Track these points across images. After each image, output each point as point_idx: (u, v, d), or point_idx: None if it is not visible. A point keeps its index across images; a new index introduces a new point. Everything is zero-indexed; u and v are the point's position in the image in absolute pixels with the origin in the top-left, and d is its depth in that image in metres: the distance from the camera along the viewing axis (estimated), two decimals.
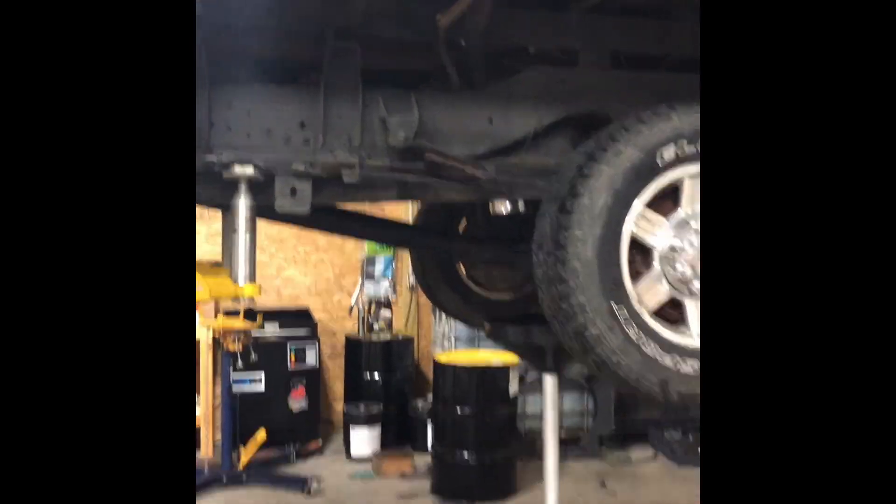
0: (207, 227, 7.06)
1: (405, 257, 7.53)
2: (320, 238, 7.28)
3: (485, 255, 3.03)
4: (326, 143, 2.40)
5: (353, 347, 6.87)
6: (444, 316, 6.89)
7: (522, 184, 2.46)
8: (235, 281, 2.32)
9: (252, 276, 2.36)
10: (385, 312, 6.91)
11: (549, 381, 3.37)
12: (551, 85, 2.53)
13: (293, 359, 6.40)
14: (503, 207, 2.71)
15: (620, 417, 6.62)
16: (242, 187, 2.33)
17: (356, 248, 7.38)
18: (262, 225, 3.19)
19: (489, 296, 3.78)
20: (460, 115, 2.50)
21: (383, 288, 7.24)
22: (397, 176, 2.44)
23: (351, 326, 7.33)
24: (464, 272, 3.78)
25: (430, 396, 6.83)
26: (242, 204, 2.32)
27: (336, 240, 7.27)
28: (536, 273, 2.19)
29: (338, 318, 7.43)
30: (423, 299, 7.60)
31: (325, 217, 2.79)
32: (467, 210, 3.62)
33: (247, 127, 2.36)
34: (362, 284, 7.11)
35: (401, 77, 2.71)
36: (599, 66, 2.55)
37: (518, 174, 2.46)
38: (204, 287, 2.12)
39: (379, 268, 7.27)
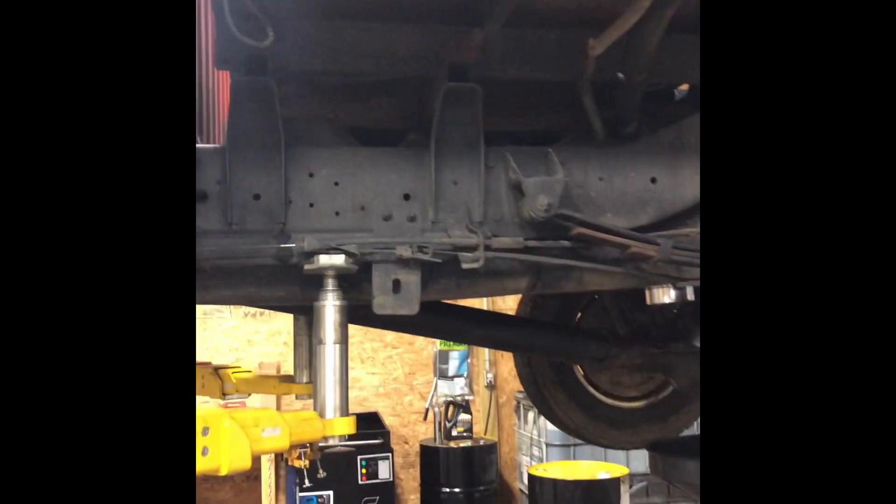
0: (268, 325, 6.51)
1: (481, 352, 6.84)
2: (388, 332, 6.66)
3: (634, 358, 2.34)
4: (438, 219, 1.79)
5: (430, 457, 6.10)
6: (530, 417, 6.11)
7: None
8: (322, 413, 1.68)
9: (345, 406, 1.71)
10: (464, 415, 6.16)
11: None
12: None
13: (364, 473, 5.68)
14: (667, 296, 2.03)
15: None
16: (330, 283, 1.71)
17: (427, 343, 6.72)
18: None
19: (618, 404, 3.05)
20: (614, 175, 1.87)
21: (458, 387, 6.52)
22: (531, 259, 1.80)
23: (424, 432, 6.59)
24: (581, 377, 3.08)
25: None
26: (330, 306, 1.70)
27: (405, 334, 6.63)
28: None
29: (409, 422, 6.70)
30: (504, 398, 6.85)
31: (422, 316, 2.09)
32: (589, 300, 2.95)
33: (334, 203, 1.76)
34: (437, 384, 6.41)
35: (517, 135, 2.11)
36: None
37: (699, 252, 1.79)
38: (283, 429, 1.48)
39: (453, 364, 6.58)
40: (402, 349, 6.76)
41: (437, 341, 6.58)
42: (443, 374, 6.51)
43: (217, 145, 1.80)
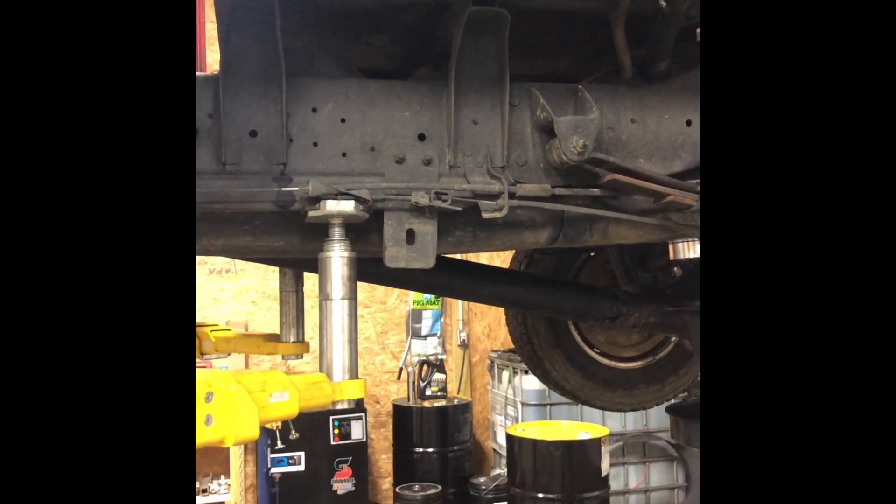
0: (234, 282, 6.28)
1: (454, 310, 6.72)
2: (360, 290, 6.49)
3: (647, 318, 2.21)
4: (457, 163, 1.61)
5: (403, 416, 5.99)
6: (504, 377, 6.03)
7: None
8: (329, 375, 1.51)
9: (354, 368, 1.54)
10: (438, 375, 6.05)
11: None
12: None
13: (336, 433, 5.54)
14: (692, 251, 1.89)
15: None
16: (337, 233, 1.53)
17: (400, 302, 6.57)
18: (274, 273, 2.36)
19: (615, 365, 2.94)
20: (647, 117, 1.70)
21: (431, 346, 6.41)
22: (558, 209, 1.64)
23: (397, 392, 6.47)
24: (577, 336, 2.95)
25: (492, 473, 5.93)
26: (338, 258, 1.52)
27: (377, 292, 6.47)
28: None
29: (381, 382, 6.57)
30: (477, 357, 6.76)
31: (431, 273, 1.90)
32: (586, 257, 2.81)
33: (341, 142, 1.57)
34: (410, 343, 6.28)
35: (537, 76, 1.93)
36: None
37: None
38: (292, 394, 1.31)
39: (426, 324, 6.46)
40: (374, 308, 6.60)
41: (411, 300, 6.43)
42: (416, 334, 6.39)
43: (208, 73, 1.58)
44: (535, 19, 1.76)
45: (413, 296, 6.40)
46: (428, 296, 6.39)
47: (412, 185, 1.55)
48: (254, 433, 1.22)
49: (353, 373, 1.54)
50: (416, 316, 6.43)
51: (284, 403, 1.31)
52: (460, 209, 1.56)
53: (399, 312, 6.59)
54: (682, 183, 1.60)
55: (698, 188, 1.61)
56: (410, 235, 1.56)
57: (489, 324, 6.81)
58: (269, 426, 4.64)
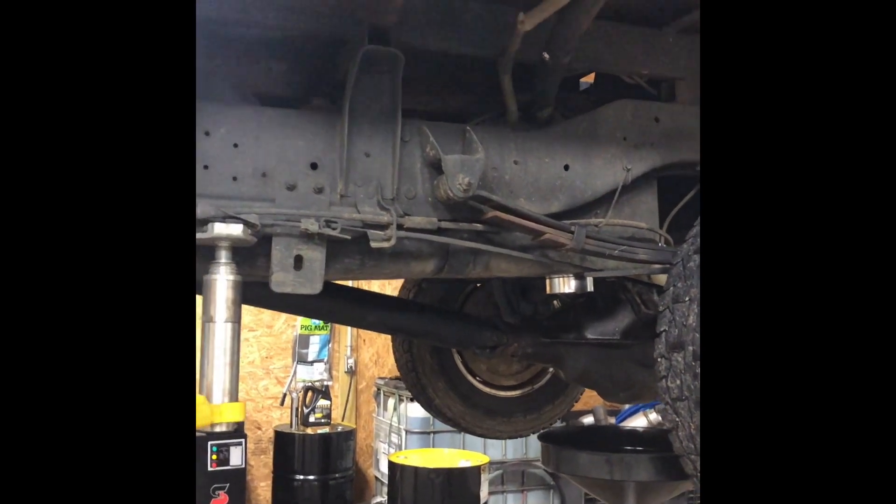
0: None
1: (342, 336, 6.69)
2: (246, 313, 6.35)
3: (525, 348, 2.30)
4: (348, 192, 1.66)
5: (285, 443, 5.89)
6: (390, 404, 6.05)
7: (618, 255, 1.77)
8: (209, 397, 1.51)
9: (235, 391, 1.55)
10: (323, 401, 5.99)
11: None
12: (644, 124, 1.90)
13: (214, 459, 5.37)
14: (567, 286, 2.01)
15: None
16: (223, 255, 1.54)
17: (287, 326, 6.48)
18: None
19: (495, 393, 3.03)
20: (528, 159, 1.81)
21: (318, 372, 6.34)
22: (443, 241, 1.72)
23: (279, 417, 6.36)
24: (461, 365, 3.03)
25: (373, 501, 5.92)
26: (223, 280, 1.53)
27: (264, 315, 6.37)
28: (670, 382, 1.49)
29: (264, 407, 6.44)
30: (364, 384, 6.75)
31: (316, 298, 1.92)
32: (472, 287, 2.91)
33: (233, 166, 1.59)
34: (296, 368, 6.19)
35: (426, 113, 2.01)
36: (697, 103, 1.95)
37: (610, 243, 1.78)
38: None
39: (314, 349, 6.39)
40: (260, 332, 6.48)
41: (299, 325, 6.36)
42: (302, 359, 6.31)
43: None
44: (428, 59, 1.85)
45: (301, 320, 6.33)
46: (317, 321, 6.34)
47: (302, 212, 1.58)
48: None
49: (234, 396, 1.54)
50: (303, 341, 6.35)
51: None
52: (349, 237, 1.60)
53: (286, 337, 6.50)
54: (558, 223, 1.71)
55: (573, 229, 1.72)
56: (298, 261, 1.59)
57: (377, 350, 6.82)
58: None
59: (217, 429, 1.52)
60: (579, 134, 1.85)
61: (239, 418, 1.53)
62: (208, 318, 1.52)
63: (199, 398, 1.46)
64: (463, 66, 1.91)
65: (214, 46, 1.85)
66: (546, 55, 1.69)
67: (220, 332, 1.53)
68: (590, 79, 2.33)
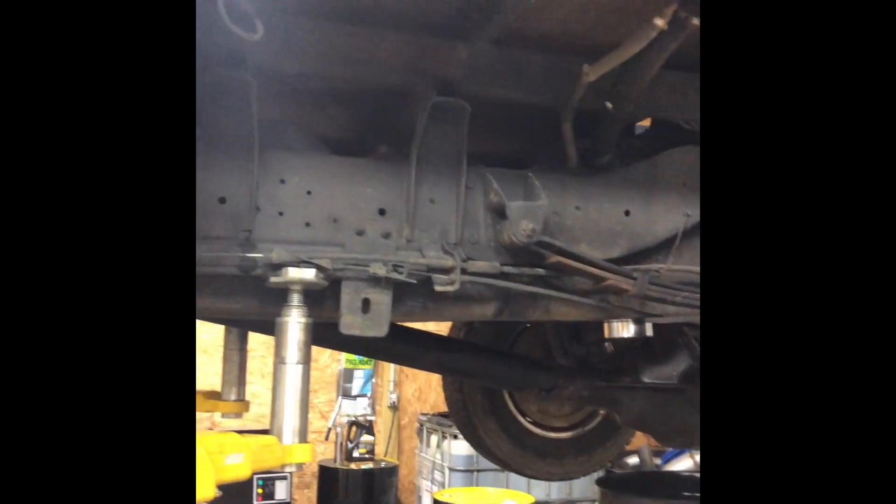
0: None
1: (385, 371, 6.73)
2: None
3: (581, 391, 2.31)
4: (414, 237, 1.71)
5: (329, 477, 5.91)
6: (433, 441, 6.04)
7: (681, 301, 1.78)
8: (280, 438, 1.55)
9: (304, 432, 1.59)
10: (367, 436, 6.01)
11: None
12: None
13: (260, 493, 5.42)
14: (626, 330, 2.02)
15: None
16: (296, 299, 1.59)
17: (332, 361, 6.54)
18: (207, 326, 2.33)
19: (545, 435, 3.03)
20: (589, 205, 1.84)
21: (361, 406, 6.38)
22: (504, 285, 1.75)
23: (323, 452, 6.39)
24: (511, 405, 3.04)
25: None
26: (295, 323, 1.58)
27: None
28: None
29: (308, 441, 6.47)
30: (406, 420, 6.75)
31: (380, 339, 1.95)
32: (522, 328, 2.92)
33: (306, 213, 1.65)
34: (340, 403, 6.23)
35: (488, 156, 2.06)
36: None
37: (671, 289, 1.79)
38: (246, 456, 1.35)
39: (357, 384, 6.44)
40: None
41: (343, 359, 6.42)
42: (346, 394, 6.36)
43: None
44: (491, 106, 1.90)
45: (345, 355, 6.39)
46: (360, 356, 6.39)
47: (370, 257, 1.63)
48: (210, 494, 1.25)
49: (304, 436, 1.58)
50: (347, 375, 6.41)
51: (238, 465, 1.35)
52: (415, 281, 1.64)
53: (330, 371, 6.55)
54: (619, 268, 1.74)
55: (635, 274, 1.74)
56: (366, 304, 1.63)
57: (420, 386, 6.83)
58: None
59: (287, 469, 1.56)
60: (640, 179, 1.88)
61: (308, 459, 1.57)
62: (280, 360, 1.57)
63: (272, 439, 1.50)
64: (525, 112, 1.95)
65: (284, 94, 1.93)
66: (609, 104, 1.72)
67: (292, 374, 1.57)
68: (645, 123, 2.36)
